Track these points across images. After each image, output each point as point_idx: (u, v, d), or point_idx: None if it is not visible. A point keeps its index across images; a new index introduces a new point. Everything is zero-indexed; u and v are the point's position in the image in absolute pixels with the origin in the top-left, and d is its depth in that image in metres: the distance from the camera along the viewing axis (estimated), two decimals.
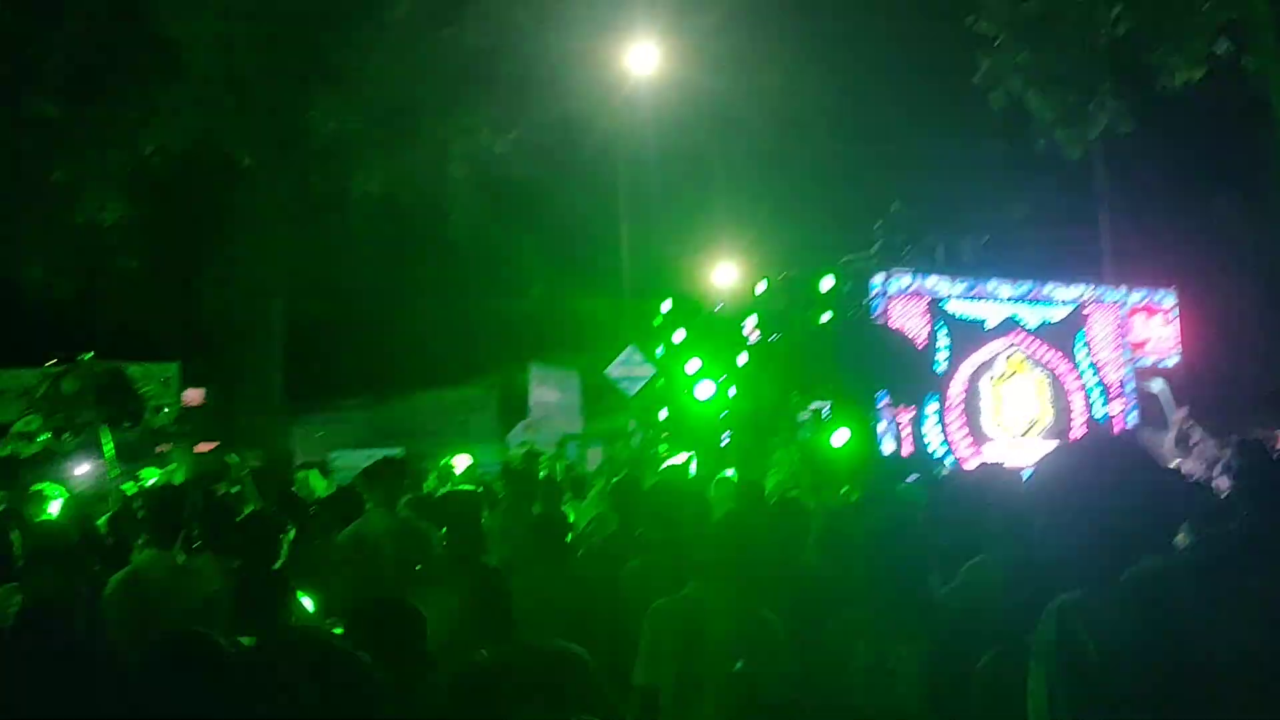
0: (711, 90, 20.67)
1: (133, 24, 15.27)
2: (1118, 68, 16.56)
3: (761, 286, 13.81)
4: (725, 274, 27.03)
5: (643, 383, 18.71)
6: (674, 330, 14.49)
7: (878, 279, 11.58)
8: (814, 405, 12.18)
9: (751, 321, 13.21)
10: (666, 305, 14.92)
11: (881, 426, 11.14)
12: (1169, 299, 13.52)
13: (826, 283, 11.96)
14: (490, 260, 21.17)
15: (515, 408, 21.68)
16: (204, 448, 20.51)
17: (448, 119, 17.19)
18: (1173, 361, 13.38)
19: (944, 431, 11.52)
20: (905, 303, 11.51)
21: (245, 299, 17.62)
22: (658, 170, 20.53)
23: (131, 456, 20.46)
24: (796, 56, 20.67)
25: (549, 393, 22.79)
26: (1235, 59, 15.89)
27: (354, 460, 16.90)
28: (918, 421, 11.39)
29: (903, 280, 11.71)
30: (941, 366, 11.55)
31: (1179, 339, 13.44)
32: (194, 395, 20.73)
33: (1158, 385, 12.91)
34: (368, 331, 21.23)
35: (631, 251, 18.77)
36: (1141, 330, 13.11)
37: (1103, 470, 2.36)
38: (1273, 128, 16.24)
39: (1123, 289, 13.12)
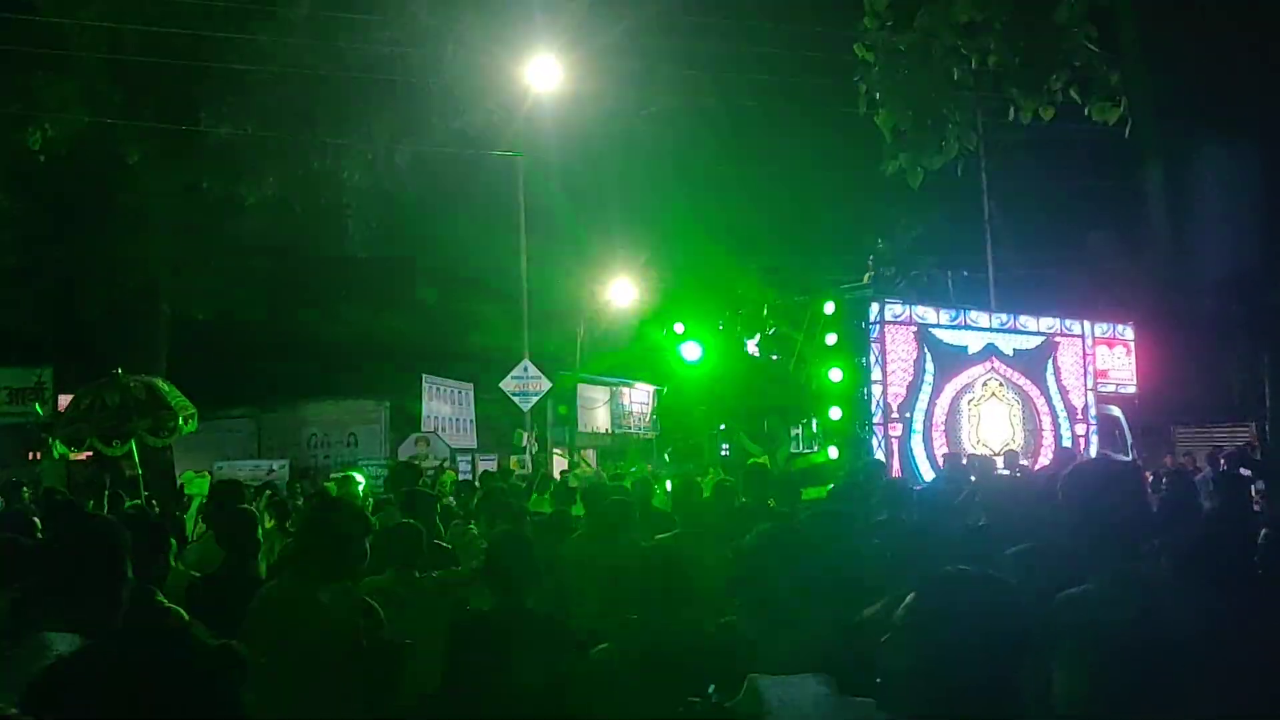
0: (612, 107, 20.82)
1: (16, 13, 14.73)
2: (977, 100, 17.29)
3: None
4: (622, 290, 27.23)
5: (537, 397, 18.69)
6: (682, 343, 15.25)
7: (873, 308, 12.47)
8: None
9: (753, 342, 14.22)
10: (678, 328, 15.76)
11: (874, 442, 12.21)
12: (1128, 332, 14.82)
13: (829, 308, 12.99)
14: (385, 271, 20.93)
15: (407, 420, 21.41)
16: (80, 456, 19.82)
17: (344, 127, 16.97)
18: (1131, 389, 14.72)
19: (928, 447, 12.52)
20: (897, 329, 12.58)
21: (129, 301, 17.08)
22: (557, 185, 20.59)
23: (3, 464, 19.70)
24: (694, 77, 20.96)
25: (442, 405, 22.59)
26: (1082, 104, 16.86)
27: (238, 471, 16.50)
28: (905, 438, 12.41)
29: (895, 309, 12.82)
30: (927, 388, 12.62)
31: (1135, 369, 14.78)
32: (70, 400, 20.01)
33: (1115, 410, 14.36)
34: (256, 339, 20.76)
35: (530, 266, 18.73)
36: (1104, 360, 14.42)
37: (1114, 488, 3.00)
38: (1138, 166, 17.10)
39: (1087, 323, 14.27)
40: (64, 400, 19.57)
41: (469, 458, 21.29)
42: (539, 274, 19.60)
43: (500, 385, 18.47)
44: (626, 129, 21.27)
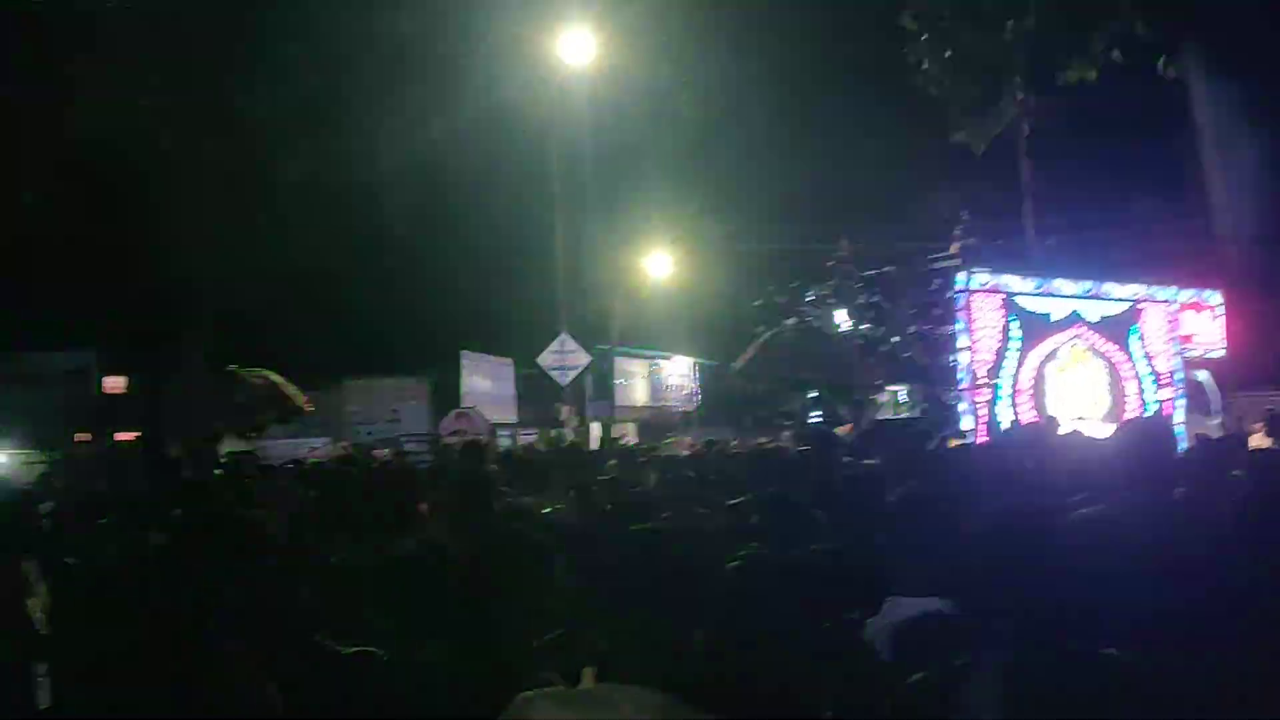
0: (646, 80, 20.70)
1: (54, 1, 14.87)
2: (1027, 64, 17.05)
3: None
4: (661, 265, 27.16)
5: (575, 371, 18.70)
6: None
7: (960, 276, 12.87)
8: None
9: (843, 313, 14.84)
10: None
11: (962, 407, 12.68)
12: (1215, 297, 14.82)
13: (916, 277, 13.54)
14: (423, 248, 20.98)
15: (448, 396, 21.55)
16: (125, 436, 20.15)
17: (379, 105, 16.98)
18: (1219, 354, 14.75)
19: (1014, 413, 12.76)
20: (983, 298, 12.88)
21: (171, 285, 17.26)
22: (592, 158, 20.50)
23: (48, 445, 20.06)
24: (731, 47, 20.78)
25: (482, 381, 22.72)
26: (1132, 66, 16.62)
27: (281, 449, 16.71)
28: (991, 404, 12.74)
29: (981, 278, 13.09)
30: (1013, 355, 12.95)
31: (1224, 333, 14.76)
32: (114, 383, 20.32)
33: (1203, 375, 14.54)
34: (298, 319, 20.93)
35: (566, 240, 18.71)
36: (1190, 325, 14.42)
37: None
38: (1187, 132, 16.85)
39: (1173, 288, 14.28)
40: (109, 383, 19.94)
41: (510, 433, 21.42)
42: (575, 248, 19.59)
43: (538, 360, 18.50)
44: (663, 99, 21.14)
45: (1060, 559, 2.43)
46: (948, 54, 16.77)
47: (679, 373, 29.27)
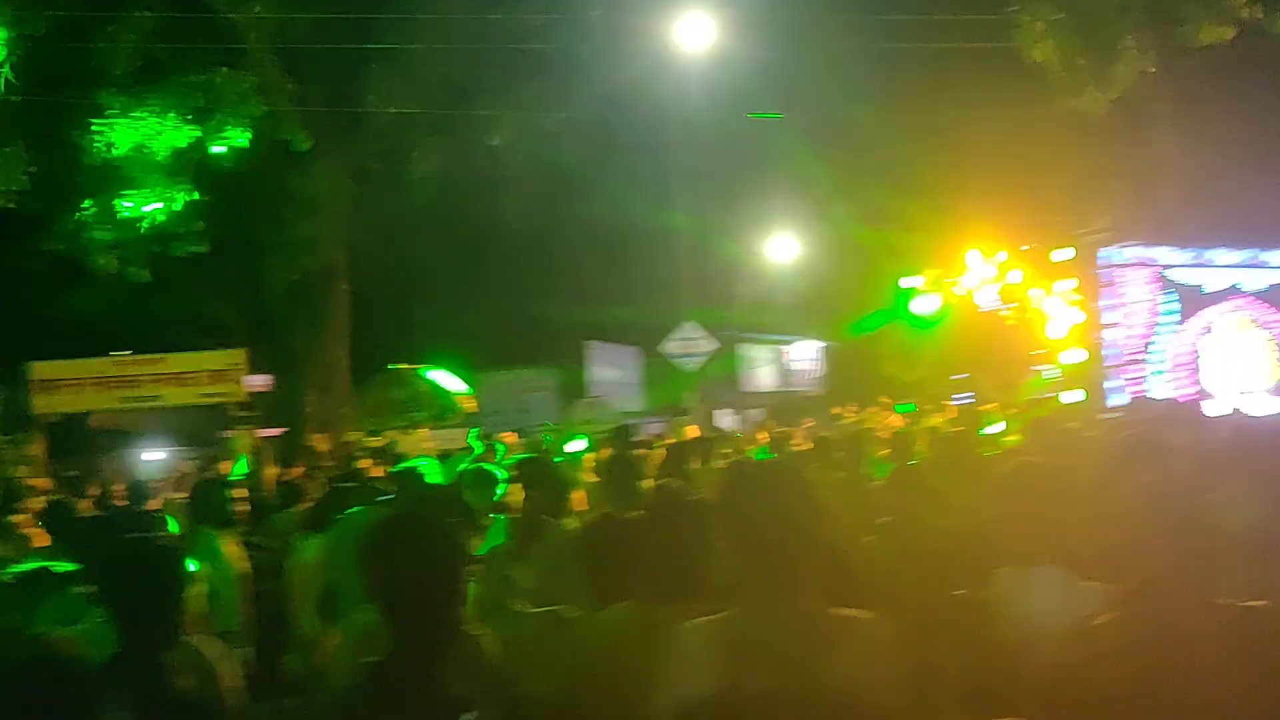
0: (766, 64, 20.55)
1: (193, 13, 15.50)
2: (1145, 24, 16.31)
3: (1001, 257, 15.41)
4: (783, 248, 26.97)
5: (701, 357, 18.70)
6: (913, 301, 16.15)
7: (1107, 251, 12.71)
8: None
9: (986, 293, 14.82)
10: (913, 280, 16.67)
11: (1113, 383, 12.57)
12: None
13: (1067, 254, 13.42)
14: (546, 239, 21.26)
15: (575, 386, 21.81)
16: (270, 432, 20.93)
17: (500, 99, 17.25)
18: None
19: (1172, 387, 12.64)
20: (1133, 271, 12.83)
21: (309, 283, 17.86)
22: (712, 144, 20.47)
23: (199, 441, 20.96)
24: (850, 30, 20.47)
25: (608, 370, 22.93)
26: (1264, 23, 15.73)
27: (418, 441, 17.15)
28: (1145, 379, 12.67)
29: (1131, 251, 13.02)
30: (1168, 329, 12.82)
31: None
32: (260, 381, 21.10)
33: None
34: (428, 313, 21.43)
35: (688, 226, 18.74)
36: None
37: None
38: None
39: None
40: (253, 382, 20.72)
41: (638, 422, 21.53)
42: (698, 234, 19.61)
43: (662, 347, 18.55)
44: (783, 81, 20.97)
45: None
46: (1058, 17, 16.15)
47: (806, 356, 29.04)
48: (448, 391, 10.74)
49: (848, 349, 26.17)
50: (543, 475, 5.29)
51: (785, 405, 25.07)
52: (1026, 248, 14.88)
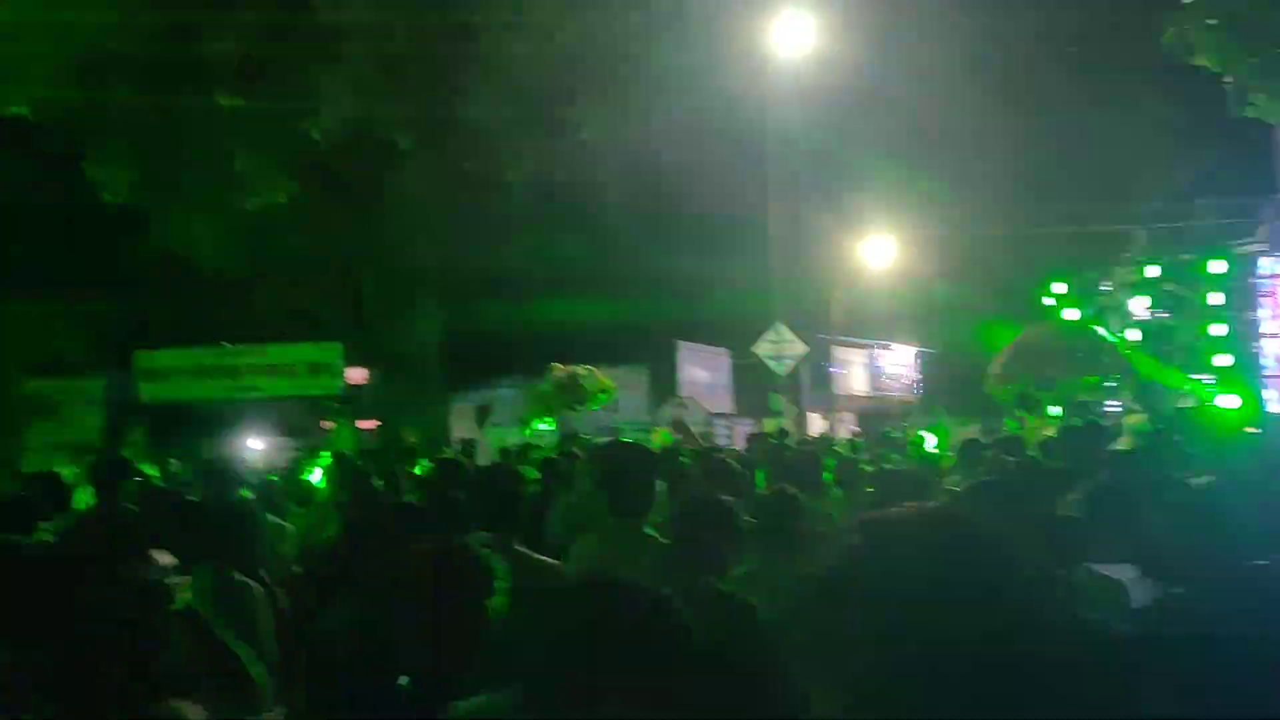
0: (862, 65, 20.27)
1: (296, 14, 15.86)
2: None
3: (1154, 271, 15.63)
4: (878, 251, 26.57)
5: (792, 360, 18.52)
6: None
7: (1266, 263, 12.64)
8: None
9: (1144, 302, 14.90)
10: (1060, 287, 16.61)
11: (1269, 394, 12.63)
12: None
13: (1218, 266, 13.49)
14: (641, 239, 21.26)
15: (665, 387, 21.79)
16: (366, 425, 21.34)
17: (596, 104, 17.29)
18: None
19: None
20: None
21: (404, 279, 18.16)
22: (807, 145, 20.25)
23: (302, 433, 21.44)
24: (955, 26, 20.08)
25: (698, 372, 22.86)
26: None
27: (506, 437, 17.32)
28: None
29: None
30: None
31: None
32: (357, 374, 21.53)
33: None
34: (520, 311, 21.61)
35: (781, 228, 18.56)
36: None
37: None
38: None
39: None
40: (351, 374, 21.15)
41: (726, 423, 21.45)
42: (791, 236, 19.42)
43: (754, 349, 18.43)
44: (881, 82, 20.65)
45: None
46: (1218, 22, 15.37)
47: (899, 361, 28.59)
48: (580, 386, 11.32)
49: (947, 355, 25.69)
50: None
51: (877, 411, 24.73)
52: (1179, 256, 14.70)
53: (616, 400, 17.30)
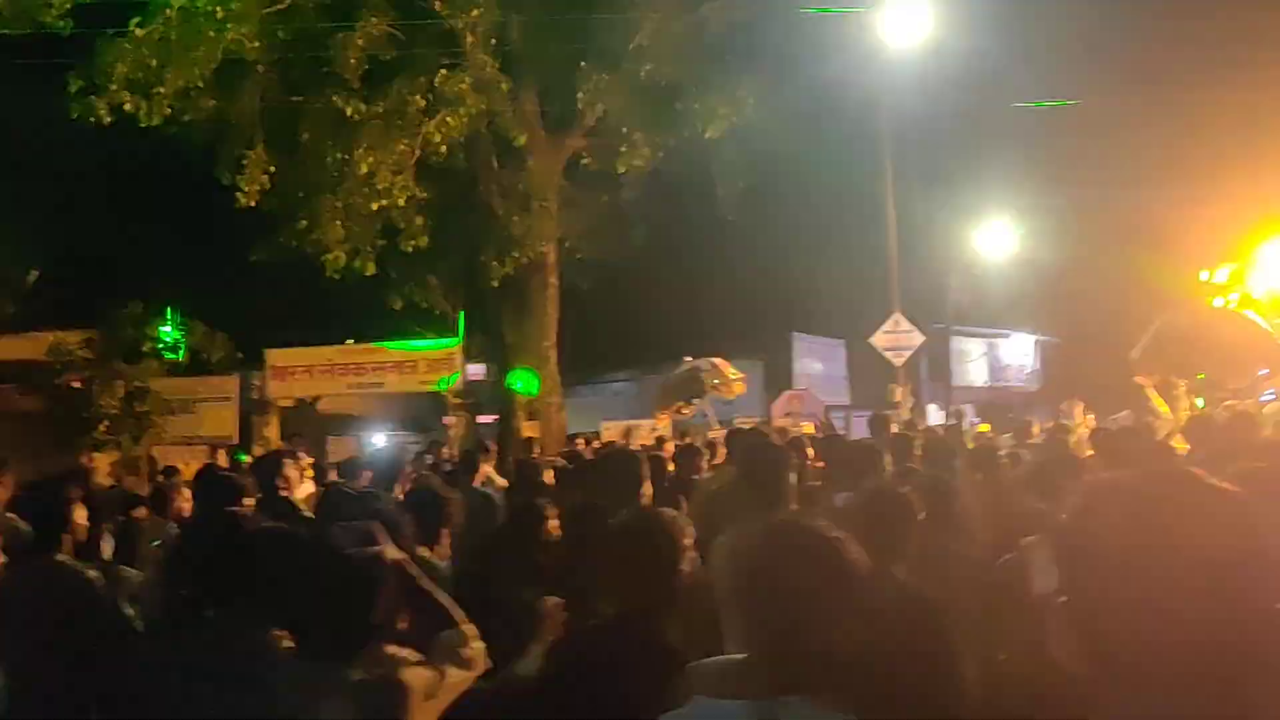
0: (978, 49, 19.88)
1: (419, 19, 16.23)
2: None
3: None
4: (995, 238, 26.05)
5: (909, 351, 18.31)
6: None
7: None
8: None
9: None
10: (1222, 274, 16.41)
11: None
12: None
13: None
14: (754, 231, 21.21)
15: (779, 378, 21.72)
16: (485, 418, 21.72)
17: (710, 93, 17.30)
18: None
19: None
20: None
21: (521, 275, 18.41)
22: (924, 132, 19.97)
23: (421, 426, 21.89)
24: (1074, 9, 19.57)
25: (813, 363, 22.73)
26: None
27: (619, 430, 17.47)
28: None
29: None
30: None
31: None
32: (475, 369, 21.95)
33: None
34: (636, 304, 21.76)
35: (897, 217, 18.33)
36: None
37: None
38: None
39: None
40: (472, 370, 21.56)
41: (842, 415, 21.29)
42: (908, 224, 19.18)
43: (870, 340, 18.28)
44: (998, 68, 20.23)
45: None
46: None
47: (1019, 351, 27.99)
48: (701, 379, 11.43)
49: (1072, 344, 25.07)
50: None
51: (997, 401, 24.28)
52: None
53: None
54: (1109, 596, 1.37)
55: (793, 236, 22.59)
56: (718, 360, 13.46)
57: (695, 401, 15.59)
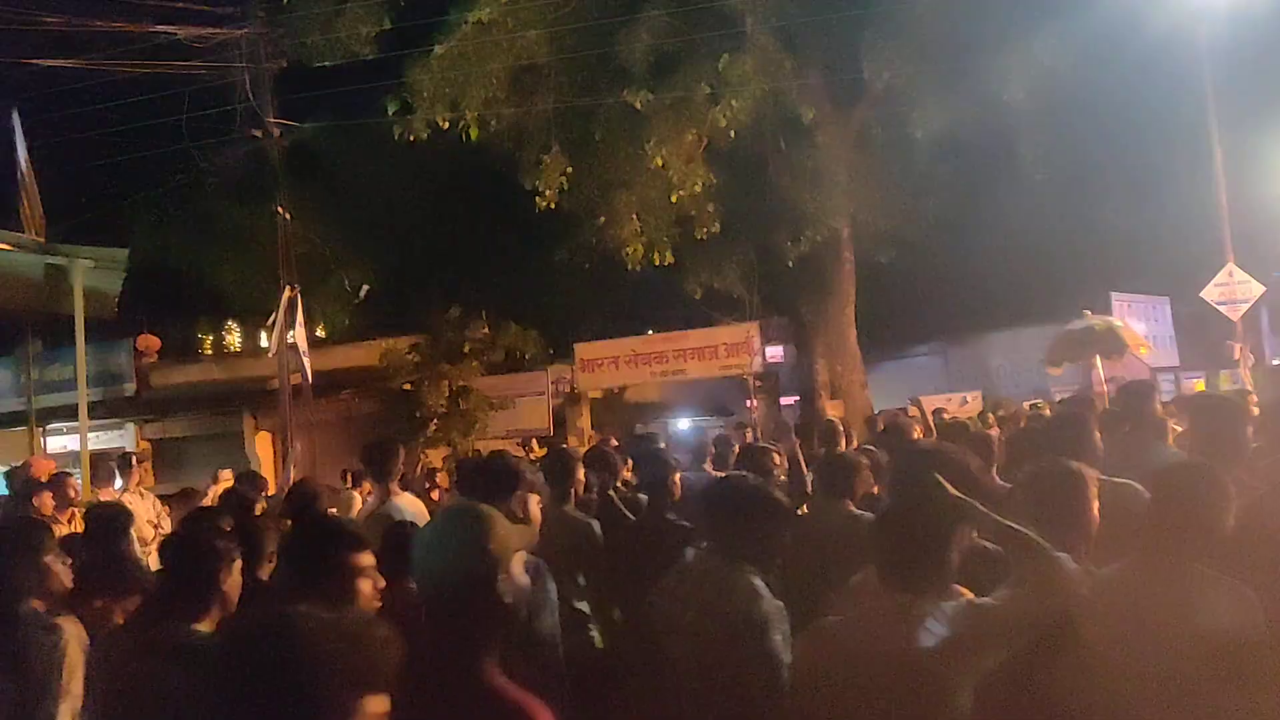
0: None
1: (698, 4, 16.33)
2: None
3: None
4: None
5: (1246, 304, 16.76)
6: None
7: None
8: None
9: None
10: None
11: None
12: None
13: None
14: (1061, 189, 19.98)
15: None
16: (787, 400, 21.68)
17: (1004, 51, 16.39)
18: None
19: None
20: None
21: (814, 254, 18.19)
22: (1248, 61, 18.07)
23: (719, 411, 22.07)
24: None
25: (1135, 324, 21.12)
26: None
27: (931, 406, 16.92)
28: None
29: None
30: None
31: None
32: (774, 352, 21.94)
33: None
34: (935, 275, 21.03)
35: (1226, 157, 16.73)
36: None
37: None
38: None
39: None
40: (770, 352, 21.55)
41: (1171, 376, 19.75)
42: (1239, 165, 17.49)
43: (1202, 294, 16.88)
44: None
45: None
46: None
47: None
48: (1102, 338, 11.02)
49: None
50: None
51: None
52: None
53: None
54: None
55: (1105, 191, 21.09)
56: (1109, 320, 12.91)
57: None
